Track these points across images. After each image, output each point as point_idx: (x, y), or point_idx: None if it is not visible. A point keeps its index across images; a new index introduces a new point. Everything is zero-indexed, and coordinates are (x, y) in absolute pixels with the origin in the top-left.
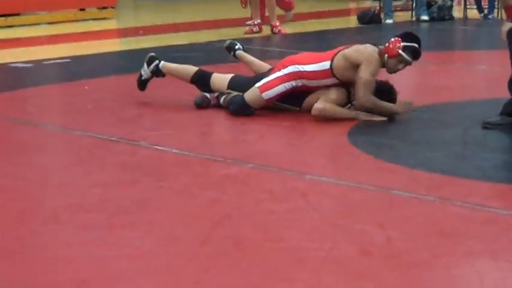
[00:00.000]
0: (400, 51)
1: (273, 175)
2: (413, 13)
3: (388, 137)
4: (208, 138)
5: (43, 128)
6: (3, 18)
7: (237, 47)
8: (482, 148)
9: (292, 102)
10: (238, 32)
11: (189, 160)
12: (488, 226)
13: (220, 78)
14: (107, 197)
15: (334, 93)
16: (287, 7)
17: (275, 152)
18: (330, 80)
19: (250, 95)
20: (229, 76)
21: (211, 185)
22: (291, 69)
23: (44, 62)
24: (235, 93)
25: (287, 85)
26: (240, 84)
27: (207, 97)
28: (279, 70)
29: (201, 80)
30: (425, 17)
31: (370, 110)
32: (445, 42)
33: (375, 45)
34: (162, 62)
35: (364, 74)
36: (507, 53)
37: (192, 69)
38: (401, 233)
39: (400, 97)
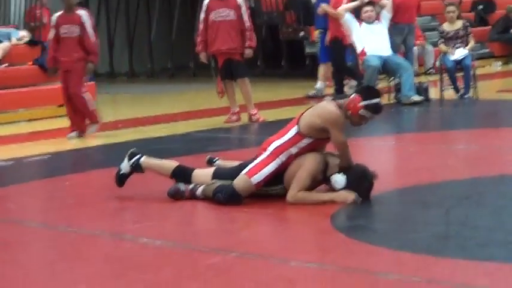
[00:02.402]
0: (361, 111)
1: (258, 263)
2: (397, 95)
3: (371, 220)
4: (191, 228)
5: (25, 226)
6: None
7: (214, 160)
8: (465, 227)
9: (275, 182)
10: (217, 122)
11: (172, 251)
12: None
13: (203, 173)
14: None
15: (308, 165)
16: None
17: (259, 240)
18: (305, 141)
19: (239, 182)
20: (212, 169)
21: (195, 276)
22: (271, 148)
23: (24, 160)
24: (219, 182)
25: (274, 164)
26: (224, 174)
27: (179, 189)
28: (261, 154)
29: (182, 176)
30: (415, 98)
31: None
32: (424, 124)
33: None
34: (144, 157)
35: (337, 137)
36: (484, 131)
37: (171, 164)
38: None
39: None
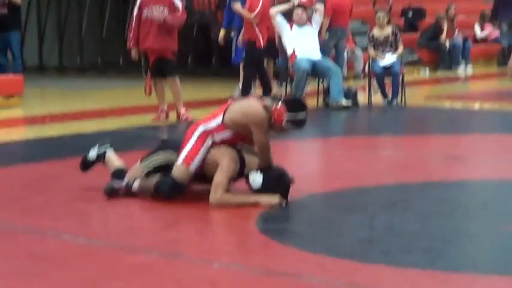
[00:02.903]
0: (284, 123)
1: (181, 263)
2: (325, 99)
3: (295, 223)
4: (115, 227)
5: None
6: None
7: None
8: (389, 233)
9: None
10: (145, 120)
11: (96, 249)
12: None
13: (133, 170)
14: None
15: (225, 167)
16: None
17: (182, 240)
18: (228, 132)
19: (178, 173)
20: (137, 164)
21: (117, 275)
22: (197, 132)
23: None
24: (155, 176)
25: (203, 149)
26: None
27: (114, 187)
28: (191, 137)
29: (119, 174)
30: (343, 102)
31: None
32: (351, 128)
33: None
34: (110, 152)
35: (259, 137)
36: (411, 138)
37: (116, 164)
38: None
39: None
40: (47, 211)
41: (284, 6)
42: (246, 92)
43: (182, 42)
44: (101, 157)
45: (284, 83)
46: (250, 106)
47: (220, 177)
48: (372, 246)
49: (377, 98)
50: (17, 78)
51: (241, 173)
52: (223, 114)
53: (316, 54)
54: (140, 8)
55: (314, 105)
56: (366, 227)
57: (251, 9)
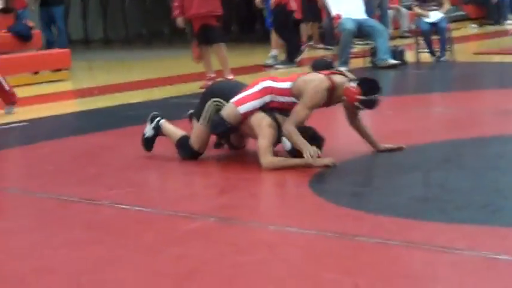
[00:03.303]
0: (357, 103)
1: (237, 228)
2: (372, 59)
3: (349, 184)
4: (170, 194)
5: (4, 192)
6: None
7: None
8: (444, 190)
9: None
10: (193, 87)
11: (151, 217)
12: (454, 268)
13: (197, 130)
14: (73, 257)
15: (266, 134)
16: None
17: (237, 205)
18: (288, 99)
19: (226, 110)
20: (197, 124)
21: (175, 240)
22: (263, 84)
23: (1, 127)
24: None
25: (261, 101)
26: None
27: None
28: (252, 87)
29: (183, 144)
30: (392, 61)
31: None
32: (400, 87)
33: (331, 71)
34: (163, 120)
35: (299, 105)
36: (461, 94)
37: (179, 133)
38: (368, 279)
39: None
40: (101, 181)
41: None
42: (293, 55)
43: (225, 9)
44: (158, 130)
45: (330, 45)
46: (314, 80)
47: (264, 142)
48: (427, 204)
49: (425, 56)
50: (64, 52)
51: (279, 137)
52: (293, 82)
53: (361, 14)
54: None
55: (361, 65)
56: (421, 185)
57: None
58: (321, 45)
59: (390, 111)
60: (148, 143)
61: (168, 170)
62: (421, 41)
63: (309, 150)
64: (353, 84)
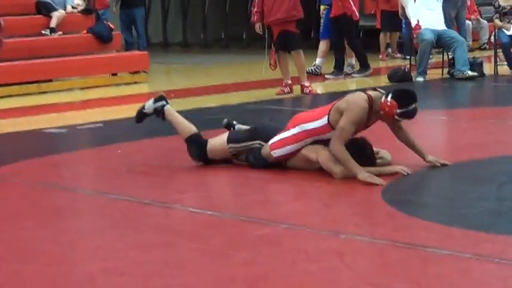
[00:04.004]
0: (396, 117)
1: (307, 235)
2: (450, 70)
3: (421, 194)
4: (241, 199)
5: (78, 192)
6: (36, 84)
7: (234, 122)
8: None
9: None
10: (269, 93)
11: (222, 221)
12: None
13: (217, 141)
14: (142, 259)
15: (324, 155)
16: None
17: (308, 212)
18: (331, 134)
19: (264, 149)
20: (224, 135)
21: (245, 246)
22: (297, 129)
23: (77, 127)
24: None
25: (297, 145)
26: (239, 137)
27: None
28: (289, 130)
29: (196, 143)
30: (470, 73)
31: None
32: (477, 99)
33: (373, 90)
34: (168, 106)
35: (342, 121)
36: None
37: (190, 129)
38: None
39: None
40: (173, 184)
41: None
42: (366, 66)
43: (305, 15)
44: (159, 113)
45: (408, 55)
46: (353, 95)
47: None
48: (499, 217)
49: (503, 68)
50: (143, 54)
51: None
52: (329, 114)
53: (440, 25)
54: None
55: (439, 76)
56: (494, 198)
57: None
58: (399, 55)
59: (466, 123)
60: (142, 117)
61: (240, 175)
62: (500, 54)
63: (362, 174)
64: (388, 98)
